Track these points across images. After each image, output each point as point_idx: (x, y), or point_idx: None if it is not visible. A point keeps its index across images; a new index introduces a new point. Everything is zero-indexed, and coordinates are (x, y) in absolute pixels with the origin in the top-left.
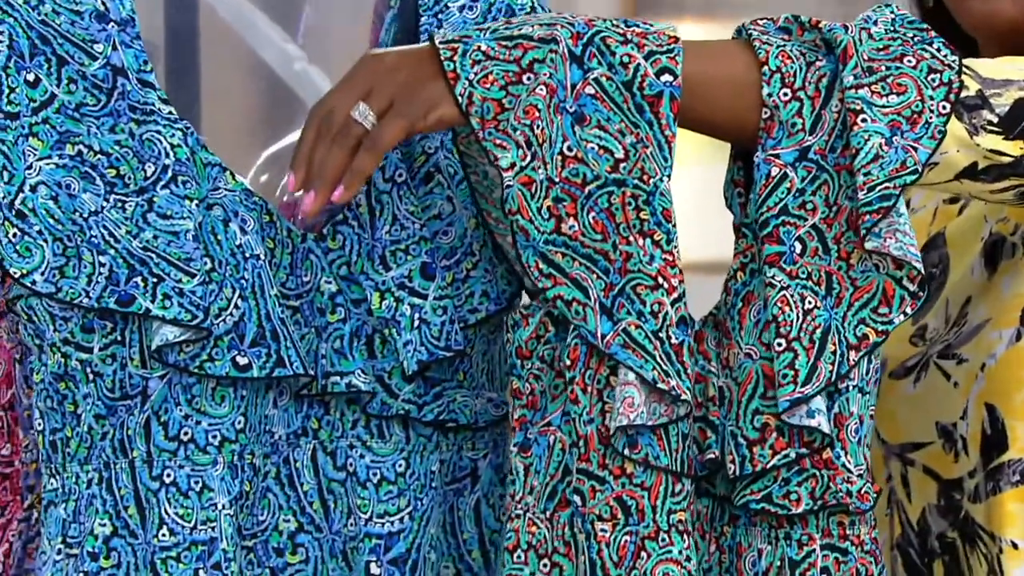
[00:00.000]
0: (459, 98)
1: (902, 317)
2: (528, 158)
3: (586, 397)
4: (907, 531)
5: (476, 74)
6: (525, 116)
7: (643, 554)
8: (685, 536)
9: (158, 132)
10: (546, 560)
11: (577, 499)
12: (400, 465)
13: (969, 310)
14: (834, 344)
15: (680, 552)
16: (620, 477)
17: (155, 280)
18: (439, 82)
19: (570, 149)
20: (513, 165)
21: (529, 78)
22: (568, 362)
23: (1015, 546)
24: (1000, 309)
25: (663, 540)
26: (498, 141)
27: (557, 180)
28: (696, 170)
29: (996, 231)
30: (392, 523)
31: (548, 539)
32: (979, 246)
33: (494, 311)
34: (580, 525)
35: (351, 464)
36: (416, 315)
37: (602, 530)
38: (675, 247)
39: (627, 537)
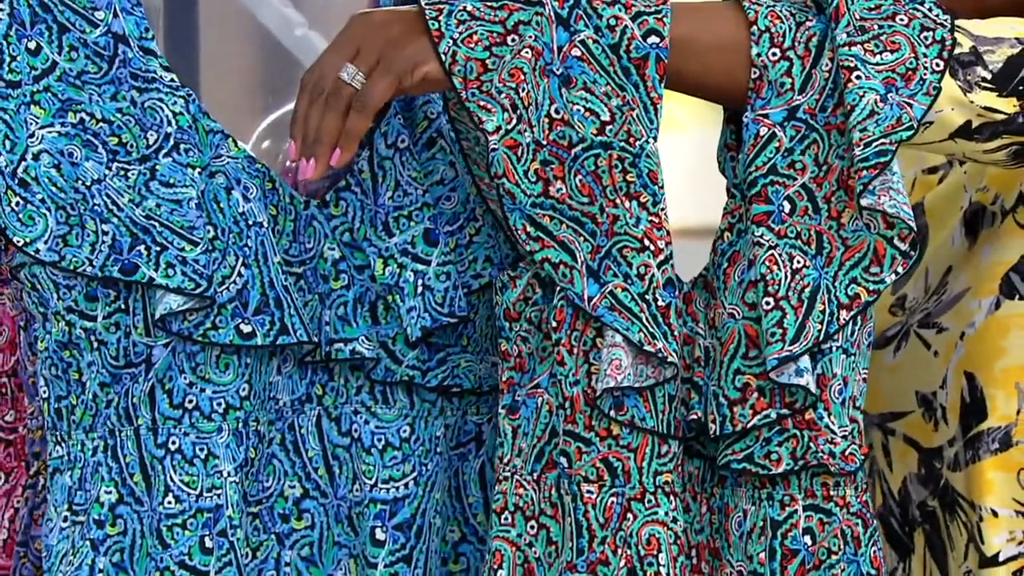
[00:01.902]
0: (442, 56)
1: (893, 276)
2: (514, 121)
3: (572, 359)
4: (888, 501)
5: (460, 33)
6: (511, 79)
7: (629, 515)
8: (672, 497)
9: (160, 100)
10: (533, 522)
11: (564, 461)
12: (405, 430)
13: (949, 279)
14: (823, 303)
15: (666, 514)
16: (606, 439)
17: (158, 249)
18: (423, 39)
19: (557, 112)
20: (499, 129)
21: (513, 39)
22: (554, 324)
23: (995, 514)
24: (980, 278)
25: (649, 501)
26: (482, 103)
27: (545, 143)
28: (695, 135)
29: (976, 200)
30: (397, 488)
31: (535, 501)
32: (959, 215)
33: (498, 276)
34: (567, 487)
35: (356, 430)
36: (419, 281)
37: (588, 492)
38: (662, 209)
39: (613, 499)
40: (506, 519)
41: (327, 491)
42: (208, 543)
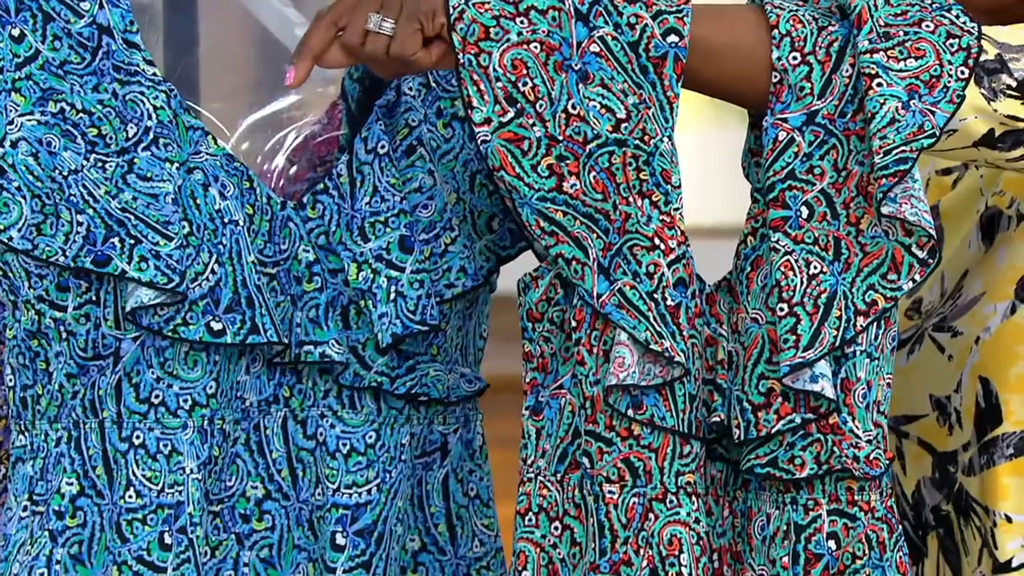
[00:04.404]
0: (451, 10)
1: (911, 284)
2: (509, 115)
3: (592, 358)
4: (902, 504)
5: None
6: (512, 70)
7: (651, 515)
8: (694, 498)
9: (141, 93)
10: (557, 523)
11: (586, 461)
12: (370, 437)
13: (965, 283)
14: (840, 309)
15: (688, 514)
16: (627, 439)
17: (132, 242)
18: None
19: (574, 107)
20: (488, 120)
21: (522, 22)
22: (574, 323)
23: (1009, 519)
24: (995, 282)
25: (671, 502)
26: (477, 78)
27: (560, 138)
28: (692, 135)
29: (992, 204)
30: (360, 494)
31: (559, 502)
32: (975, 219)
33: (471, 286)
34: (589, 487)
35: (321, 433)
36: (392, 288)
37: (610, 492)
38: (675, 208)
39: (635, 499)
40: (530, 520)
41: (289, 493)
42: (167, 539)
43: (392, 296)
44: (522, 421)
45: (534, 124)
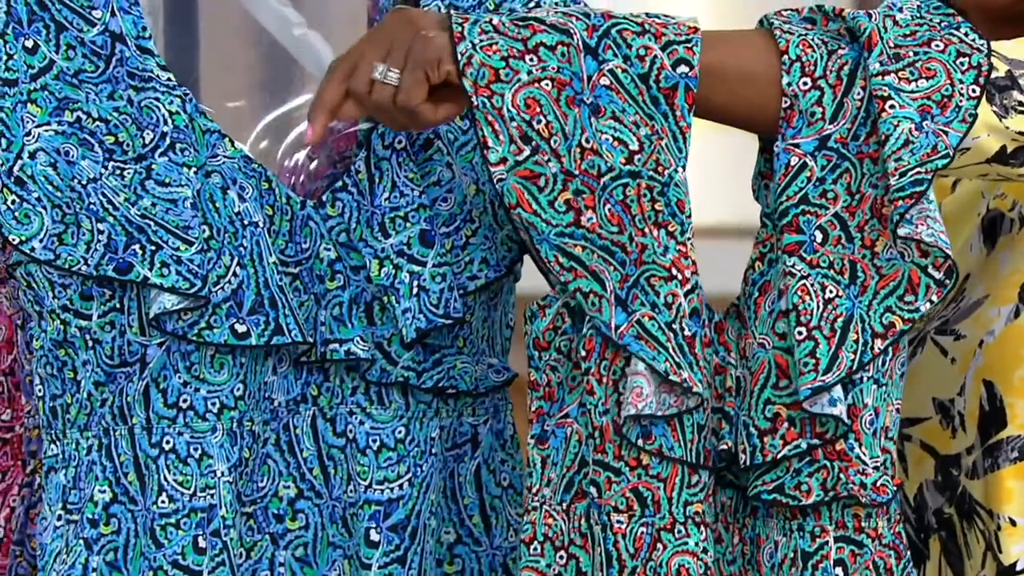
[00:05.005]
0: (459, 56)
1: (928, 305)
2: (525, 153)
3: (601, 388)
4: (904, 507)
5: (480, 40)
6: (526, 109)
7: (659, 546)
8: (702, 528)
9: (156, 99)
10: (563, 552)
11: (593, 490)
12: (400, 432)
13: (967, 286)
14: (857, 332)
15: (696, 544)
16: (636, 468)
17: (153, 248)
18: (445, 36)
19: (587, 141)
20: (504, 160)
21: (531, 59)
22: (584, 353)
23: (1013, 523)
24: (998, 286)
25: (679, 532)
26: (491, 119)
27: (576, 172)
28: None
29: (994, 207)
30: (392, 489)
31: (565, 531)
32: (976, 222)
33: (493, 278)
34: (596, 517)
35: (351, 431)
36: (415, 282)
37: (618, 521)
38: (688, 238)
39: (643, 529)
40: (535, 549)
41: (322, 492)
42: (201, 543)
43: (415, 290)
44: (527, 450)
45: (549, 160)
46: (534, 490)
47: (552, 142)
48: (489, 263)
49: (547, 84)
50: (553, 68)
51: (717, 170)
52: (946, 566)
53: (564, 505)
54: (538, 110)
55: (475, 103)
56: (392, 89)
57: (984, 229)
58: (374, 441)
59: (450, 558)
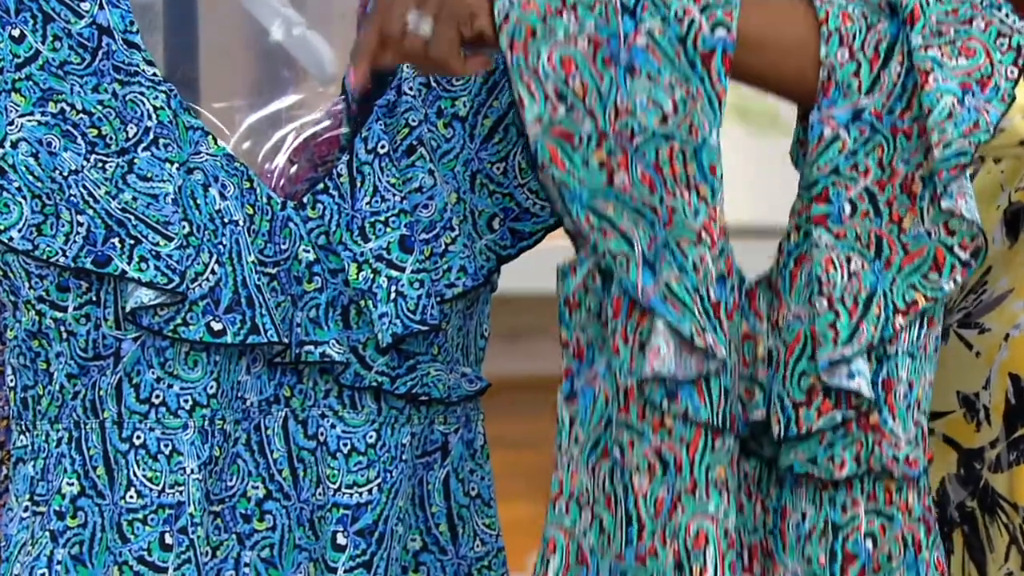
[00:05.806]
0: (496, 14)
1: (952, 284)
2: (560, 112)
3: (627, 348)
4: None
5: None
6: (561, 67)
7: (679, 508)
8: (723, 493)
9: (141, 94)
10: (588, 510)
11: (617, 451)
12: (371, 436)
13: (989, 279)
14: (879, 307)
15: (716, 508)
16: (659, 430)
17: (132, 242)
18: None
19: (622, 101)
20: (540, 119)
21: (569, 17)
22: (611, 313)
23: None
24: (1023, 279)
25: (700, 495)
26: (527, 78)
27: (610, 132)
28: None
29: (1016, 199)
30: (360, 494)
31: (590, 490)
32: (997, 214)
33: (471, 286)
34: (619, 477)
35: (322, 433)
36: (393, 288)
37: (639, 482)
38: (719, 202)
39: (664, 490)
40: (561, 507)
41: (290, 493)
42: (168, 539)
43: (392, 296)
44: (557, 407)
45: (584, 119)
46: (563, 448)
47: (587, 101)
48: (467, 271)
49: (583, 43)
50: (590, 27)
51: (747, 173)
52: (969, 560)
53: (590, 464)
54: (574, 69)
55: (510, 61)
56: (423, 41)
57: (1006, 221)
58: (345, 445)
59: (415, 565)
